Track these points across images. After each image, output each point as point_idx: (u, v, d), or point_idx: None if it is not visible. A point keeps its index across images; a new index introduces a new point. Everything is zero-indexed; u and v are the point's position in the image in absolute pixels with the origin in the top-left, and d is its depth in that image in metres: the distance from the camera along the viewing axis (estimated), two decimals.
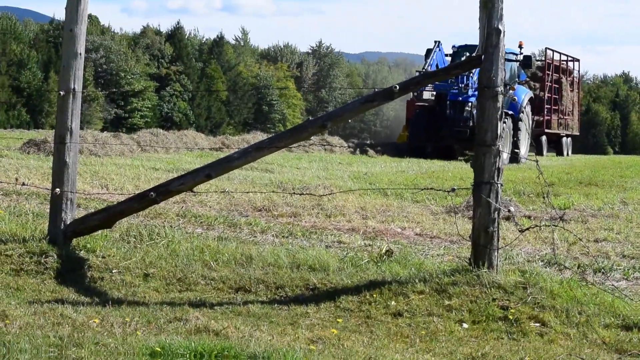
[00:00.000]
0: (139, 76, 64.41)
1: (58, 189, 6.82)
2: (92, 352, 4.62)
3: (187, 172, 6.77)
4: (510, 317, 5.63)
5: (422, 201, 11.96)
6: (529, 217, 10.51)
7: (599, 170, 21.89)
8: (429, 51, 30.15)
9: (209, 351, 4.57)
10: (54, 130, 7.29)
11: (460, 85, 28.60)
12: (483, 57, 6.20)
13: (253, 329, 5.27)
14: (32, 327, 5.06)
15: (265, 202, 10.73)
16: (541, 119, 36.22)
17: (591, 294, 6.00)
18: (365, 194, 12.27)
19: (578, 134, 42.96)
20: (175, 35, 70.39)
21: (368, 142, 32.81)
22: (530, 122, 30.79)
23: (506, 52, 30.39)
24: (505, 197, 12.02)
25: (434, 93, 31.01)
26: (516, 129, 28.76)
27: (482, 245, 6.14)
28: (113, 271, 6.48)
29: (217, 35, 76.66)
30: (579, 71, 42.80)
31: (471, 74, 27.65)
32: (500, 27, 6.17)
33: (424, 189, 9.27)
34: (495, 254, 6.17)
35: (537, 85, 37.30)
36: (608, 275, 7.21)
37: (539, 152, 34.77)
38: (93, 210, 7.79)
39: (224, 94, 67.26)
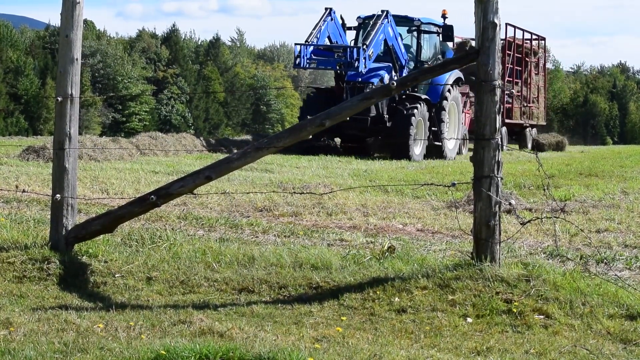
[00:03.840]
0: (136, 80, 64.45)
1: (58, 195, 6.81)
2: (97, 357, 4.62)
3: (187, 174, 6.77)
4: (514, 310, 5.63)
5: (422, 197, 11.96)
6: (530, 210, 10.52)
7: (598, 161, 21.90)
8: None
9: (213, 353, 4.56)
10: (52, 136, 7.29)
11: (349, 60, 22.70)
12: (479, 50, 6.20)
13: (257, 329, 5.27)
14: (36, 333, 5.06)
15: (266, 203, 10.73)
16: (501, 107, 31.93)
17: (594, 285, 6.00)
18: (365, 192, 12.27)
19: (544, 123, 37.80)
20: (171, 38, 70.44)
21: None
22: (462, 110, 26.48)
23: (423, 23, 27.96)
24: (506, 190, 12.03)
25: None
26: (438, 118, 24.34)
27: (484, 239, 6.14)
28: (116, 275, 6.48)
29: (213, 37, 76.80)
30: (544, 51, 37.12)
31: (364, 47, 22.62)
32: (495, 20, 6.17)
33: (424, 184, 9.27)
34: (497, 247, 6.17)
35: None
36: (611, 265, 7.22)
37: None
38: (94, 215, 7.79)
39: (221, 95, 67.29)
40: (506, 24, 32.02)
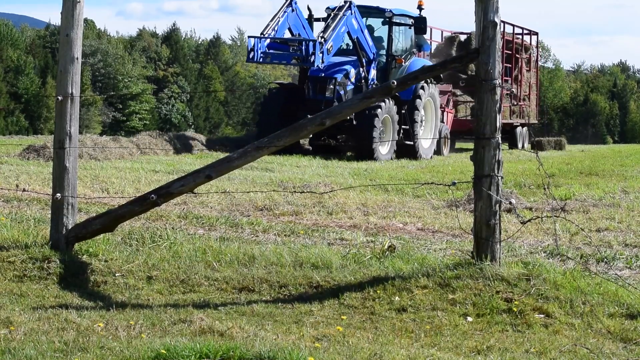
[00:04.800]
0: (137, 79, 64.49)
1: (59, 194, 6.81)
2: (98, 356, 4.62)
3: (187, 173, 6.77)
4: (515, 309, 5.63)
5: (423, 196, 11.96)
6: (531, 209, 10.51)
7: (599, 160, 21.89)
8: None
9: (214, 352, 4.56)
10: (53, 135, 7.28)
11: (305, 54, 20.99)
12: (479, 49, 6.20)
13: (258, 328, 5.27)
14: (36, 332, 5.06)
15: (266, 202, 10.73)
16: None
17: (595, 284, 6.00)
18: (366, 191, 12.26)
19: (536, 122, 36.27)
20: (172, 37, 70.49)
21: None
22: (439, 109, 24.62)
23: (396, 14, 26.60)
24: (506, 189, 12.03)
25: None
26: (410, 116, 22.55)
27: (484, 239, 6.14)
28: (116, 275, 6.48)
29: (214, 36, 76.86)
30: (537, 47, 35.25)
31: (321, 40, 20.94)
32: (496, 19, 6.17)
33: (425, 183, 9.27)
34: (498, 246, 6.17)
35: None
36: (611, 264, 7.22)
37: None
38: (94, 215, 7.79)
39: (221, 94, 67.29)
40: None
